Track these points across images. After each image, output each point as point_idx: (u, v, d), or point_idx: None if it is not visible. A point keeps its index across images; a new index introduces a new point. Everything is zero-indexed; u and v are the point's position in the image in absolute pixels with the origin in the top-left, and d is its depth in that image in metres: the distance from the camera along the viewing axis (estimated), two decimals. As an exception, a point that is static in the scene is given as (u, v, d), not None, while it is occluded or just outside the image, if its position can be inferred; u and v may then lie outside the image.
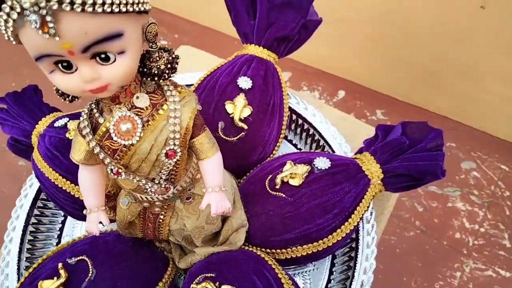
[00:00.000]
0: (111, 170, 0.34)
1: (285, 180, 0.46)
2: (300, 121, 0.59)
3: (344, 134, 0.56)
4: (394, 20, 1.25)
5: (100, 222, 0.38)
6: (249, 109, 0.50)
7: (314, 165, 0.47)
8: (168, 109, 0.33)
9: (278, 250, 0.46)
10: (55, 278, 0.42)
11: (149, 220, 0.43)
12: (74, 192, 0.48)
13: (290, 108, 0.58)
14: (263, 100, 0.51)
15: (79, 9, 0.24)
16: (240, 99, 0.49)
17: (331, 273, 0.53)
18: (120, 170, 0.34)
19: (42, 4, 0.23)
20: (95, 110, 0.33)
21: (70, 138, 0.49)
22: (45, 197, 0.57)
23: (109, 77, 0.28)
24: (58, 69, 0.28)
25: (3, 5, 0.23)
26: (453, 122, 1.48)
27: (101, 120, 0.33)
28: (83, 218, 0.52)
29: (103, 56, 0.27)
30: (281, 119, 0.53)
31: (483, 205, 1.35)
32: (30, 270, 0.45)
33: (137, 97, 0.32)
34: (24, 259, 0.53)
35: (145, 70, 0.32)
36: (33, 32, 0.24)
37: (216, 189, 0.37)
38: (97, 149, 0.33)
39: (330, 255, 0.53)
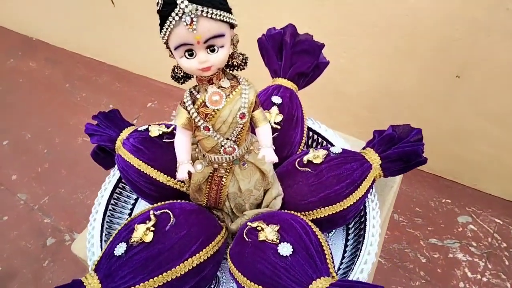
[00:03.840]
0: (204, 127, 0.55)
1: (310, 159, 0.66)
2: (315, 136, 0.81)
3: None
4: (389, 92, 1.51)
5: (188, 172, 0.58)
6: (280, 116, 0.72)
7: (330, 151, 0.68)
8: (241, 89, 0.55)
9: (306, 212, 0.65)
10: (147, 221, 0.60)
11: (214, 183, 0.62)
12: (153, 175, 0.68)
13: (308, 127, 0.81)
14: (290, 112, 0.74)
15: (209, 16, 0.48)
16: (274, 109, 0.72)
17: (346, 246, 0.71)
18: (209, 127, 0.55)
19: (193, 11, 0.47)
20: (194, 92, 0.56)
21: (152, 136, 0.70)
22: (121, 188, 0.76)
23: (213, 61, 0.51)
24: (185, 56, 0.51)
25: (173, 12, 0.47)
26: (447, 181, 1.68)
27: (198, 96, 0.55)
28: (156, 199, 0.71)
29: (212, 48, 0.51)
30: (302, 128, 0.76)
31: (483, 256, 1.48)
32: (122, 225, 0.63)
33: (222, 81, 0.55)
34: (104, 234, 0.71)
35: (229, 63, 0.55)
36: (182, 28, 0.48)
37: (268, 145, 0.58)
38: (195, 114, 0.55)
39: (345, 229, 0.71)
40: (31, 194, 1.78)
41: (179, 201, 0.66)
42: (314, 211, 0.61)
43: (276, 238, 0.55)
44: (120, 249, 0.56)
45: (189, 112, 0.55)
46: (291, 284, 0.52)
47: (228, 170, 0.60)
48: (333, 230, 0.68)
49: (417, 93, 1.44)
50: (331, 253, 0.58)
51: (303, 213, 0.61)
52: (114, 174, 0.76)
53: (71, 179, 1.80)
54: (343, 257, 0.68)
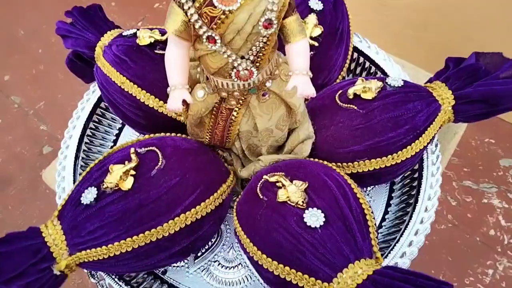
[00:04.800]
0: (207, 38, 0.36)
1: (358, 93, 0.47)
2: (361, 59, 0.61)
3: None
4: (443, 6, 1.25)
5: (183, 101, 0.40)
6: (319, 29, 0.52)
7: (386, 82, 0.48)
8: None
9: (344, 164, 0.48)
10: (126, 162, 0.43)
11: (221, 117, 0.45)
12: (140, 96, 0.51)
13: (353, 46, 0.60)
14: (332, 24, 0.53)
15: None
16: (312, 18, 0.52)
17: (388, 205, 0.54)
18: (216, 38, 0.36)
19: None
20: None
21: (141, 44, 0.51)
22: (104, 108, 0.59)
23: None
24: None
25: None
26: (494, 118, 1.48)
27: (203, -15, 0.35)
28: (145, 128, 0.54)
29: None
30: (347, 46, 0.56)
31: (522, 204, 1.34)
32: (96, 161, 0.47)
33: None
34: (80, 165, 0.55)
35: None
36: None
37: (304, 72, 0.39)
38: (195, 17, 0.36)
39: (389, 184, 0.54)
40: (26, 98, 1.65)
41: (172, 135, 0.49)
42: (356, 163, 0.47)
43: (303, 201, 0.40)
44: (89, 195, 0.42)
45: (186, 13, 0.35)
46: (319, 265, 0.37)
47: (241, 102, 0.43)
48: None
49: (480, 11, 1.19)
50: (375, 224, 0.42)
51: (339, 164, 0.48)
52: (95, 90, 0.58)
53: (68, 84, 1.64)
54: (382, 219, 0.52)
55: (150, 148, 0.45)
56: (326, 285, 0.38)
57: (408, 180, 0.53)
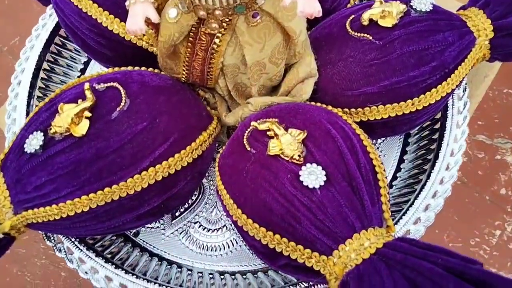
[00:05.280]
0: None
1: (374, 19, 0.38)
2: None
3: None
4: None
5: (147, 19, 0.31)
6: None
7: (411, 5, 0.39)
8: None
9: (353, 110, 0.40)
10: (80, 101, 0.35)
11: (200, 46, 0.36)
12: (102, 19, 0.42)
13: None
14: None
15: None
16: None
17: (401, 161, 0.47)
18: None
19: None
20: None
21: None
22: (64, 37, 0.50)
23: None
24: None
25: None
26: (514, 66, 1.39)
27: None
28: (109, 60, 0.46)
29: None
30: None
31: (538, 162, 1.28)
32: (47, 99, 0.39)
33: None
34: (34, 105, 0.47)
35: None
36: None
37: (305, -17, 0.29)
38: None
39: (403, 135, 0.46)
40: (-1, 34, 1.53)
41: (142, 69, 0.40)
42: (368, 109, 0.40)
43: (299, 155, 0.33)
44: (34, 141, 0.35)
45: None
46: (316, 234, 0.32)
47: (224, 25, 0.34)
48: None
49: None
50: (388, 185, 0.35)
51: (347, 110, 0.41)
52: (52, 13, 0.49)
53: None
54: (393, 178, 0.45)
55: (111, 84, 0.37)
56: (324, 258, 0.31)
57: (427, 132, 0.47)
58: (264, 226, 0.34)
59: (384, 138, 0.49)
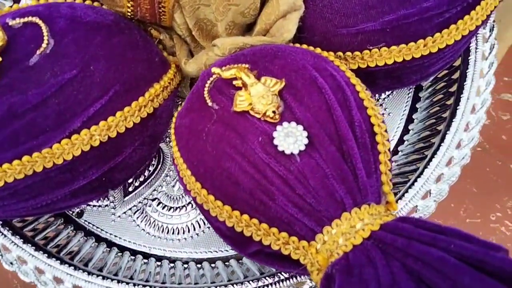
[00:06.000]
0: None
1: None
2: None
3: None
4: None
5: None
6: None
7: None
8: None
9: (348, 54, 0.37)
10: (-13, 40, 0.31)
11: (146, -31, 0.32)
12: None
13: None
14: None
15: None
16: None
17: (409, 121, 0.44)
18: None
19: None
20: None
21: None
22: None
23: None
24: None
25: None
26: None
27: None
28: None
29: None
30: None
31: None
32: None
33: None
34: None
35: None
36: None
37: None
38: None
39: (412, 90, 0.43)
40: None
41: (75, 0, 0.36)
42: (367, 52, 0.37)
43: (274, 111, 0.30)
44: None
45: None
46: (295, 213, 0.30)
47: None
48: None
49: None
50: (390, 150, 0.32)
51: (340, 54, 0.38)
52: None
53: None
54: (399, 142, 0.43)
55: (30, 19, 0.33)
56: (304, 244, 0.29)
57: (443, 84, 0.43)
58: (229, 204, 0.31)
59: (388, 92, 0.47)
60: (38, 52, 0.33)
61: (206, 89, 0.33)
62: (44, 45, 0.33)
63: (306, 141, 0.30)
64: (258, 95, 0.31)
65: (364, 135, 0.32)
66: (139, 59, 0.36)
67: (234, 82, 0.32)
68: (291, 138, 0.30)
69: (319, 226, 0.29)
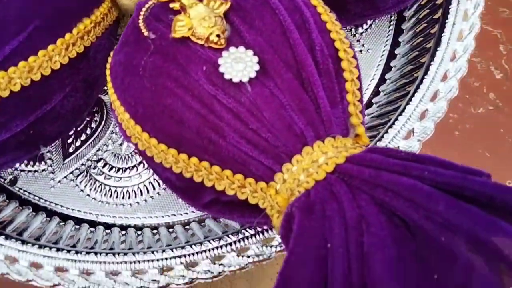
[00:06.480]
0: None
1: None
2: None
3: None
4: None
5: None
6: None
7: None
8: None
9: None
10: None
11: None
12: None
13: None
14: None
15: None
16: None
17: (391, 57, 0.43)
18: None
19: None
20: None
21: None
22: None
23: None
24: None
25: None
26: None
27: None
28: None
29: None
30: None
31: None
32: None
33: None
34: None
35: None
36: None
37: None
38: None
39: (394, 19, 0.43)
40: None
41: None
42: None
43: (219, 35, 0.29)
44: None
45: None
46: (250, 151, 0.29)
47: None
48: (368, 22, 0.45)
49: None
50: (359, 79, 0.31)
51: None
52: None
53: None
54: (381, 81, 0.43)
55: None
56: (263, 186, 0.28)
57: (427, 11, 0.41)
58: (174, 147, 0.30)
59: (366, 26, 0.46)
60: None
61: (141, 17, 0.32)
62: None
63: (257, 67, 0.29)
64: (199, 17, 0.30)
65: (326, 61, 0.31)
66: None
67: (171, 5, 0.31)
68: (240, 65, 0.29)
69: (278, 164, 0.28)
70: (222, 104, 0.29)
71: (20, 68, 0.32)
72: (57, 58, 0.33)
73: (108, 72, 0.35)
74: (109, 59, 0.36)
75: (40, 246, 0.36)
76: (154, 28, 0.32)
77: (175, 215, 0.42)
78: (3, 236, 0.36)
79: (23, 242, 0.37)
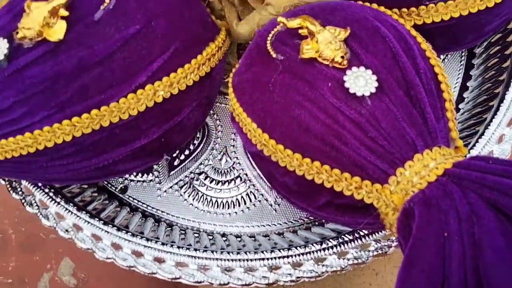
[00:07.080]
0: None
1: None
2: None
3: None
4: None
5: None
6: None
7: None
8: None
9: (404, 10, 0.42)
10: (52, -4, 0.36)
11: None
12: None
13: None
14: None
15: None
16: None
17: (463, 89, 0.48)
18: None
19: None
20: None
21: None
22: None
23: None
24: None
25: None
26: None
27: None
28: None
29: None
30: None
31: None
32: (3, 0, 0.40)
33: None
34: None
35: None
36: None
37: None
38: None
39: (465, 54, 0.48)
40: None
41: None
42: (423, 8, 0.42)
43: (343, 57, 0.34)
44: (-3, 53, 0.36)
45: None
46: (368, 156, 0.34)
47: None
48: (442, 57, 0.51)
49: None
50: (453, 100, 0.37)
51: (396, 11, 0.43)
52: None
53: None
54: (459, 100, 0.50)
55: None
56: (378, 187, 0.33)
57: (497, 48, 0.48)
58: (299, 152, 0.35)
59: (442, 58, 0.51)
60: (101, 7, 0.38)
61: (268, 41, 0.39)
62: (106, 1, 0.38)
63: (376, 84, 0.35)
64: (326, 42, 0.36)
65: (430, 82, 0.37)
66: (195, 18, 0.42)
67: (300, 31, 0.37)
68: (361, 81, 0.35)
69: (392, 168, 0.34)
70: (345, 115, 0.34)
71: (163, 82, 0.38)
72: (191, 76, 0.40)
73: (231, 90, 0.41)
74: (230, 79, 0.42)
75: (163, 243, 0.41)
76: (281, 51, 0.38)
77: (269, 225, 0.47)
78: (130, 234, 0.42)
79: (147, 239, 0.42)
